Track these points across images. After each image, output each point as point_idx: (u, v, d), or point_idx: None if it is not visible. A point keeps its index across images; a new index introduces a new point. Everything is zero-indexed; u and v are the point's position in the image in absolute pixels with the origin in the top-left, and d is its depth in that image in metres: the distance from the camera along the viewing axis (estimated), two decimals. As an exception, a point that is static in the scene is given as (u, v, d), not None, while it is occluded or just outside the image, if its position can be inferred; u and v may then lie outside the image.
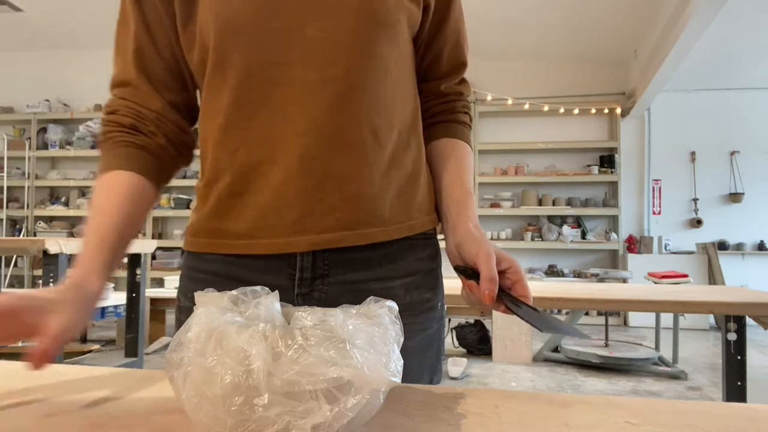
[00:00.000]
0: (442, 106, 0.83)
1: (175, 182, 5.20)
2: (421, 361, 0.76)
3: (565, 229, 6.43)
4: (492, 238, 6.54)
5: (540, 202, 6.58)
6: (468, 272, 0.68)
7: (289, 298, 0.72)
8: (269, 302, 0.55)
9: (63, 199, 7.18)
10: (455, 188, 0.78)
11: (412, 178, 0.77)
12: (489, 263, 0.64)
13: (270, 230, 0.70)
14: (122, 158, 0.74)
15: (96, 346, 3.20)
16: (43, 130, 7.09)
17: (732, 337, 2.15)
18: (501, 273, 0.66)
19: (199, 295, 0.54)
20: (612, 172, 6.46)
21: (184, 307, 0.77)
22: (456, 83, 0.85)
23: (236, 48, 0.68)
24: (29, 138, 7.10)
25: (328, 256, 0.71)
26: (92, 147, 6.82)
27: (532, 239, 6.49)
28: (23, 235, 6.88)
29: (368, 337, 0.46)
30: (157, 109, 0.76)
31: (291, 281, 0.72)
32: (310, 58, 0.68)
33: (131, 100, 0.75)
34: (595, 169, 6.50)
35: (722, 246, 6.40)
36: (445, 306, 0.83)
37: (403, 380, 0.75)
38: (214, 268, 0.75)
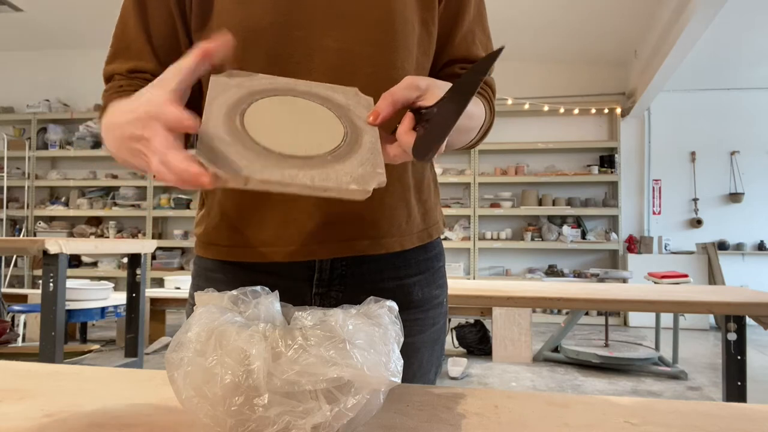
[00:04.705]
0: None
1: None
2: (431, 354, 0.79)
3: (565, 229, 6.43)
4: (492, 238, 6.55)
5: (540, 202, 6.58)
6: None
7: (306, 298, 0.73)
8: (269, 302, 0.55)
9: (63, 199, 7.17)
10: None
11: (425, 187, 0.78)
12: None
13: (291, 239, 0.70)
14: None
15: (96, 346, 3.20)
16: (43, 130, 7.09)
17: (732, 337, 2.15)
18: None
19: (199, 295, 0.54)
20: (612, 172, 6.46)
21: None
22: None
23: (259, 56, 0.68)
24: (29, 138, 7.10)
25: (346, 257, 0.73)
26: (92, 147, 6.82)
27: (532, 239, 6.49)
28: (23, 235, 6.88)
29: (368, 337, 0.46)
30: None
31: (309, 282, 0.73)
32: (330, 69, 0.68)
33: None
34: (595, 169, 6.49)
35: (722, 246, 6.40)
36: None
37: (415, 372, 0.78)
38: (233, 271, 0.75)
